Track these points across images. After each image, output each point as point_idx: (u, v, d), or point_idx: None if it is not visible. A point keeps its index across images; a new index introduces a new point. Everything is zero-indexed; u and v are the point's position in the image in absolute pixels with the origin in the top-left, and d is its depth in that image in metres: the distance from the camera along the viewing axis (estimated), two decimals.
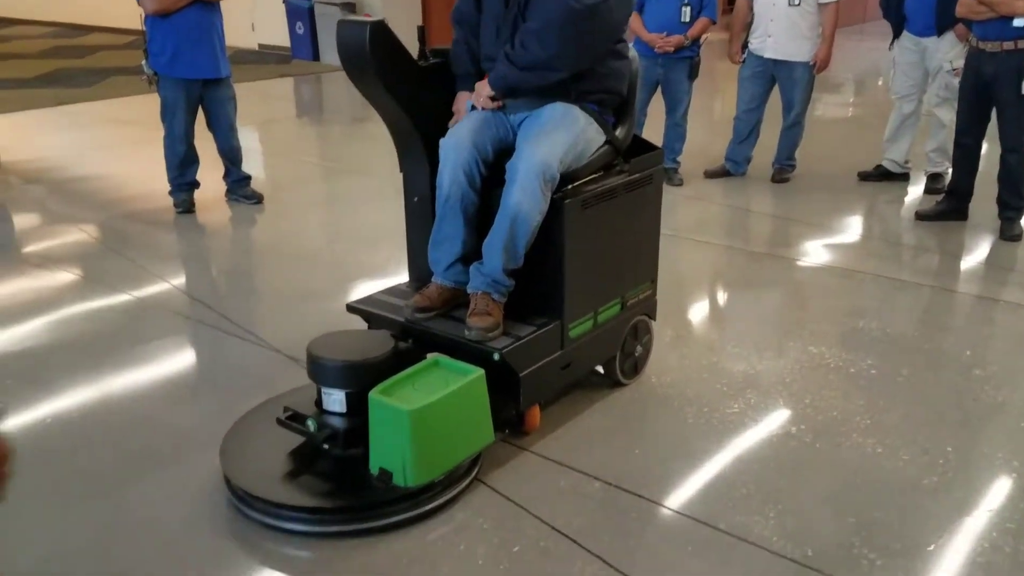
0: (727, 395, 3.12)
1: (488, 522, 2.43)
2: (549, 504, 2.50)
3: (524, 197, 2.55)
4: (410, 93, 2.78)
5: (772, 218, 5.47)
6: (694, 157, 6.07)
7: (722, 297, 4.25)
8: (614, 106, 2.88)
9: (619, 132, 2.88)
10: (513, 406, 2.68)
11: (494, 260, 2.63)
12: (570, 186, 2.71)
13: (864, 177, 5.82)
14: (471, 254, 2.73)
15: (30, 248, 4.82)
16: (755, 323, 3.84)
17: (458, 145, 2.64)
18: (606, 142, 2.82)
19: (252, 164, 5.78)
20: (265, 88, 10.00)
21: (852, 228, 5.12)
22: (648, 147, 3.04)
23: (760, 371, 3.31)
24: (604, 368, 3.10)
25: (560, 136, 2.66)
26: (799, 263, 4.53)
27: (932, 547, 2.32)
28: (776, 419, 2.97)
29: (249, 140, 7.47)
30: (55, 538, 2.37)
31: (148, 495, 2.56)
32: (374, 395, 2.39)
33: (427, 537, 2.37)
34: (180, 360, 3.50)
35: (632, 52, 2.94)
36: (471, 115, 2.75)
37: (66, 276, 4.30)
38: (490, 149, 2.70)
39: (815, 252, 4.66)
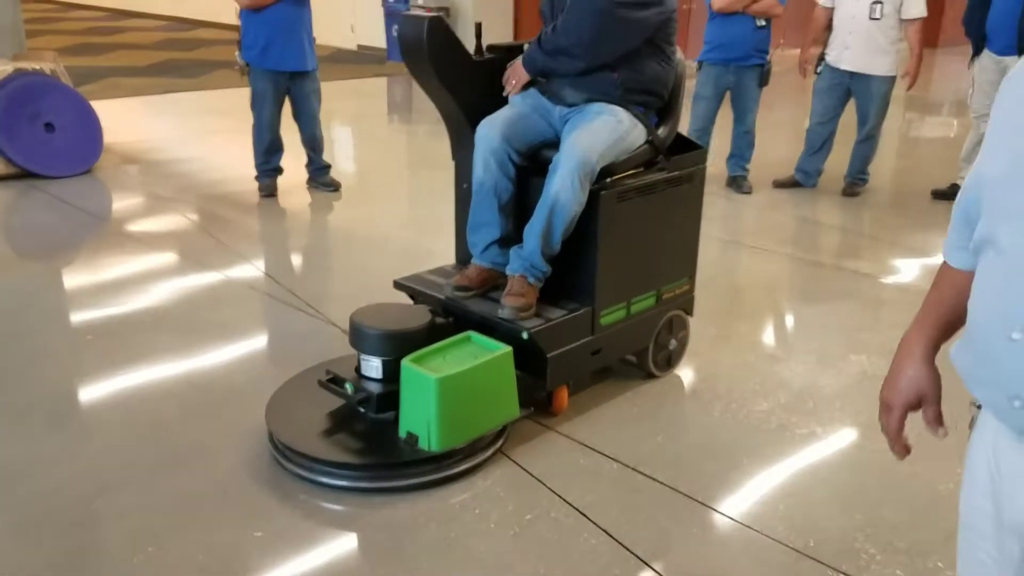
0: (758, 393, 3.18)
1: (505, 491, 2.58)
2: (566, 480, 2.63)
3: (563, 188, 2.69)
4: (464, 85, 2.95)
5: (839, 231, 5.44)
6: (764, 167, 6.08)
7: (774, 303, 4.28)
8: (657, 107, 2.99)
9: (661, 131, 2.99)
10: (541, 385, 2.82)
11: (532, 245, 2.78)
12: (609, 179, 2.83)
13: (938, 195, 5.73)
14: (508, 238, 2.88)
15: (125, 221, 5.21)
16: (803, 329, 3.88)
17: (489, 135, 2.82)
18: (647, 140, 2.93)
19: (338, 155, 6.07)
20: (360, 86, 10.40)
21: (921, 245, 5.05)
22: (692, 146, 3.13)
23: (796, 373, 3.36)
24: (637, 359, 3.20)
25: (602, 134, 2.79)
26: (861, 276, 4.51)
27: (936, 550, 2.35)
28: (802, 419, 3.01)
29: (339, 133, 7.85)
30: (122, 462, 2.64)
31: (201, 441, 2.80)
32: (406, 363, 2.56)
33: (447, 499, 2.53)
34: (245, 329, 3.75)
35: (679, 57, 3.03)
36: (514, 106, 2.91)
37: (155, 248, 4.64)
38: (524, 142, 2.86)
39: (879, 266, 4.63)
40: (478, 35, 3.02)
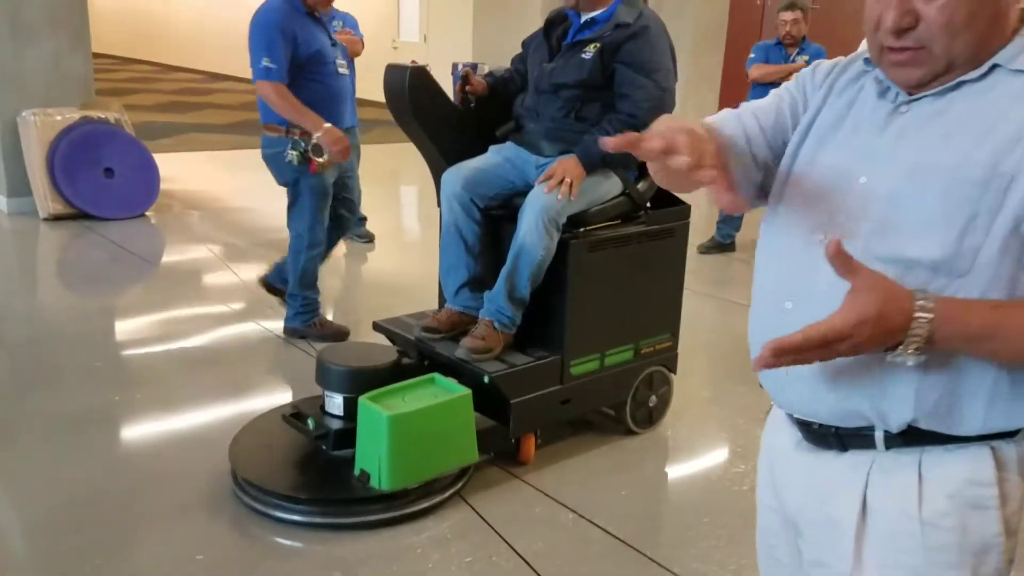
0: (738, 455, 3.10)
1: (454, 534, 2.56)
2: (519, 527, 2.60)
3: (528, 232, 2.72)
4: (445, 134, 3.04)
5: None
6: None
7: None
8: (639, 163, 3.00)
9: (640, 186, 2.99)
10: (504, 431, 2.81)
11: (499, 288, 2.81)
12: (581, 229, 2.85)
13: None
14: (481, 281, 2.92)
15: (168, 264, 5.46)
16: None
17: (451, 181, 2.88)
18: (624, 193, 2.95)
19: (385, 210, 6.22)
20: (414, 149, 10.73)
21: None
22: (675, 202, 3.12)
23: None
24: (615, 413, 3.16)
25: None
26: None
27: None
28: None
29: (384, 189, 8.08)
30: (95, 480, 2.73)
31: (176, 469, 2.88)
32: (363, 400, 2.60)
33: (395, 539, 2.53)
34: (244, 366, 3.85)
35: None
36: (486, 156, 2.96)
37: (190, 289, 4.85)
38: (491, 190, 2.91)
39: None
40: (463, 86, 3.10)
